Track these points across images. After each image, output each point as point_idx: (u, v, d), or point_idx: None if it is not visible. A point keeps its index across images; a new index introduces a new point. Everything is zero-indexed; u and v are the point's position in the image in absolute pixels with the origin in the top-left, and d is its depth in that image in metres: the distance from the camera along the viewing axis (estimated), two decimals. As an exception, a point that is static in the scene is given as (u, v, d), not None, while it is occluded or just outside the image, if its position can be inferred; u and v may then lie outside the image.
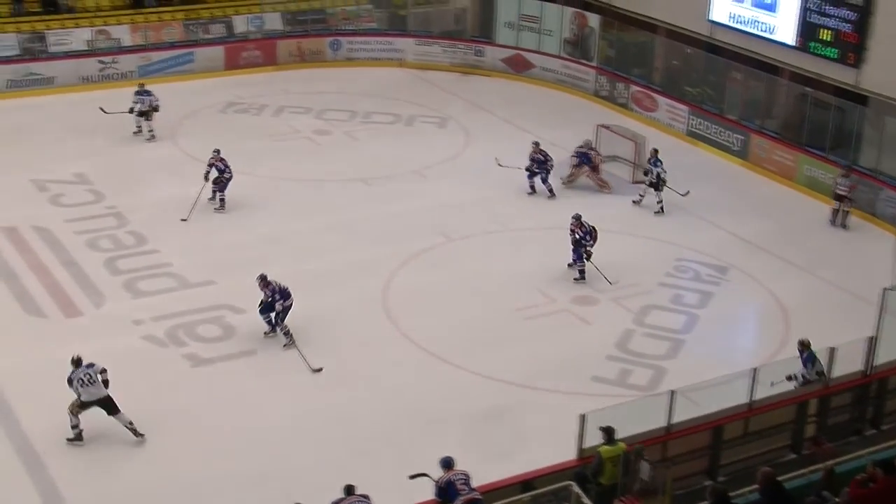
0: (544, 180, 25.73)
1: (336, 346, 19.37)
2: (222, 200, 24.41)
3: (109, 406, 16.48)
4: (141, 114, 28.10)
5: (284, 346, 19.16)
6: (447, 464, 14.18)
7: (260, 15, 34.81)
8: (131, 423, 16.55)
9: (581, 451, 15.08)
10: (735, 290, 22.11)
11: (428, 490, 14.18)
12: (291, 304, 19.37)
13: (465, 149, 28.02)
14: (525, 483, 14.55)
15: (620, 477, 14.60)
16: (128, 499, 15.38)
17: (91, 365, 16.54)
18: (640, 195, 25.35)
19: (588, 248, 21.85)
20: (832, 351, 16.87)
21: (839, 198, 24.88)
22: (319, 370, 18.60)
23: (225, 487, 15.59)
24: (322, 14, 35.68)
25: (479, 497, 13.83)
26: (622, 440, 14.77)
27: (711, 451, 16.37)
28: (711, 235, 24.28)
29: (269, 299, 19.28)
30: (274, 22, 34.99)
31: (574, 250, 21.94)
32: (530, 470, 14.92)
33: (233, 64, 34.11)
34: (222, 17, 34.54)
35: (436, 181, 26.60)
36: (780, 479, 12.72)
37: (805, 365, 17.20)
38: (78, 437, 16.42)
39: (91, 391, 16.36)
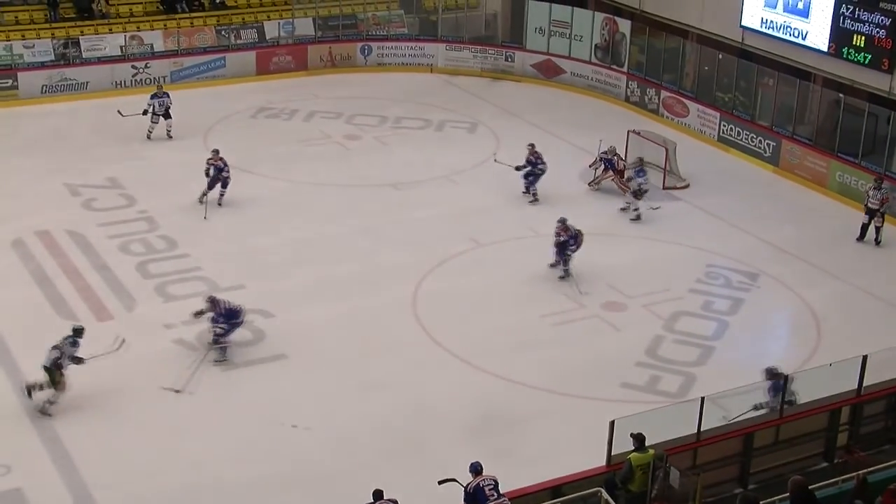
0: (529, 185, 25.74)
1: (366, 350, 19.40)
2: (221, 195, 24.94)
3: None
4: (157, 115, 28.58)
5: (215, 361, 18.89)
6: (476, 469, 14.19)
7: (291, 20, 34.94)
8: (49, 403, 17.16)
9: (610, 457, 15.06)
10: (766, 297, 21.99)
11: (457, 496, 14.19)
12: (240, 324, 19.14)
13: (495, 154, 27.98)
14: (554, 489, 14.55)
15: (650, 484, 14.58)
16: (158, 501, 15.46)
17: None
18: (627, 203, 25.24)
19: (569, 252, 21.93)
20: (864, 359, 16.76)
21: (871, 212, 24.19)
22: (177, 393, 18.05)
23: (252, 491, 15.64)
24: (353, 19, 35.78)
25: (508, 503, 13.82)
26: (652, 447, 14.75)
27: (742, 458, 16.32)
28: (742, 242, 24.16)
29: (218, 321, 18.96)
30: (305, 27, 35.11)
31: (558, 252, 22.04)
32: (559, 476, 14.92)
33: (264, 69, 34.26)
34: (254, 22, 34.71)
35: (466, 186, 26.60)
36: (811, 487, 12.64)
37: (769, 392, 16.68)
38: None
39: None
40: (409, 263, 22.42)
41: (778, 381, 16.33)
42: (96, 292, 21.02)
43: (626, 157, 26.91)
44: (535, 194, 25.65)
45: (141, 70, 32.61)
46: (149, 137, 28.68)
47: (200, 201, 24.69)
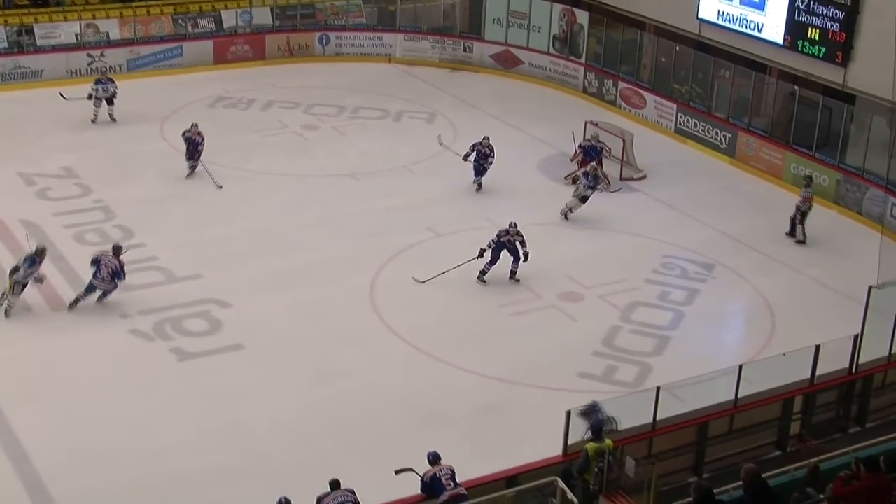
0: (478, 172, 25.63)
1: (323, 341, 19.37)
2: (193, 168, 25.66)
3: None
4: (100, 101, 28.49)
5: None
6: (433, 459, 14.23)
7: (249, 9, 34.71)
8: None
9: (567, 447, 15.14)
10: (721, 287, 22.17)
11: (414, 485, 14.23)
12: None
13: (454, 144, 27.99)
14: (510, 479, 14.61)
15: (606, 474, 14.67)
16: (115, 492, 15.35)
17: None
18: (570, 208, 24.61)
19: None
20: (817, 349, 16.95)
21: (797, 208, 24.26)
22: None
23: (210, 482, 15.58)
24: (311, 9, 35.61)
25: (464, 492, 13.88)
26: (608, 437, 14.83)
27: (697, 447, 16.46)
28: (699, 233, 24.32)
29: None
30: (263, 17, 34.91)
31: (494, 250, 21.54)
32: (515, 465, 14.99)
33: (221, 58, 34.03)
34: (211, 11, 34.43)
35: (424, 177, 26.59)
36: (764, 475, 12.77)
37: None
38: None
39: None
40: (366, 253, 22.39)
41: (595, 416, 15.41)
42: (51, 282, 20.81)
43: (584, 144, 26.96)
44: (479, 185, 25.63)
45: (97, 59, 32.28)
46: (94, 121, 28.53)
47: (189, 174, 25.60)
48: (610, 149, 26.85)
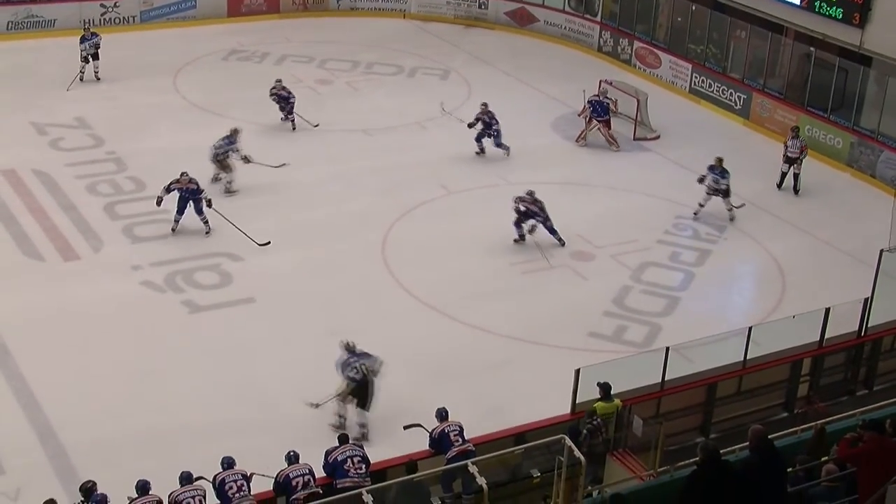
0: (498, 144, 25.18)
1: (334, 296, 19.41)
2: (293, 121, 26.12)
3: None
4: (87, 58, 28.02)
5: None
6: (441, 415, 14.33)
7: (264, -38, 34.59)
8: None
9: (575, 405, 15.21)
10: (733, 249, 22.14)
11: (422, 440, 14.32)
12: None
13: (467, 101, 27.90)
14: (518, 436, 14.68)
15: (613, 432, 14.74)
16: (125, 442, 15.47)
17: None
18: (701, 205, 23.11)
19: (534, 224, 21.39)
20: (827, 311, 16.96)
21: (789, 160, 24.46)
22: (267, 243, 20.28)
23: (220, 434, 15.65)
24: (326, -38, 35.45)
25: (472, 448, 13.97)
26: (617, 396, 14.90)
27: (705, 408, 16.52)
28: (711, 194, 24.24)
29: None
30: (278, -31, 34.77)
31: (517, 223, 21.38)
32: (523, 423, 15.05)
33: (235, 11, 33.89)
34: (226, -37, 34.29)
35: (437, 133, 26.51)
36: (771, 436, 12.80)
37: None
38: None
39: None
40: (378, 209, 22.40)
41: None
42: (63, 232, 20.90)
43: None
44: (506, 148, 25.32)
45: (110, 9, 32.18)
46: (81, 80, 28.04)
47: (291, 126, 26.20)
48: (616, 101, 26.66)
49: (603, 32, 32.89)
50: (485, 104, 25.41)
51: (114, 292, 19.10)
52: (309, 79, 29.64)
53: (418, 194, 23.19)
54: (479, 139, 25.23)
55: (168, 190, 21.04)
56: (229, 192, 22.51)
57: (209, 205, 20.98)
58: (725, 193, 22.78)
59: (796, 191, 24.58)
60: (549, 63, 32.02)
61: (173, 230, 21.09)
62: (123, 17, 32.07)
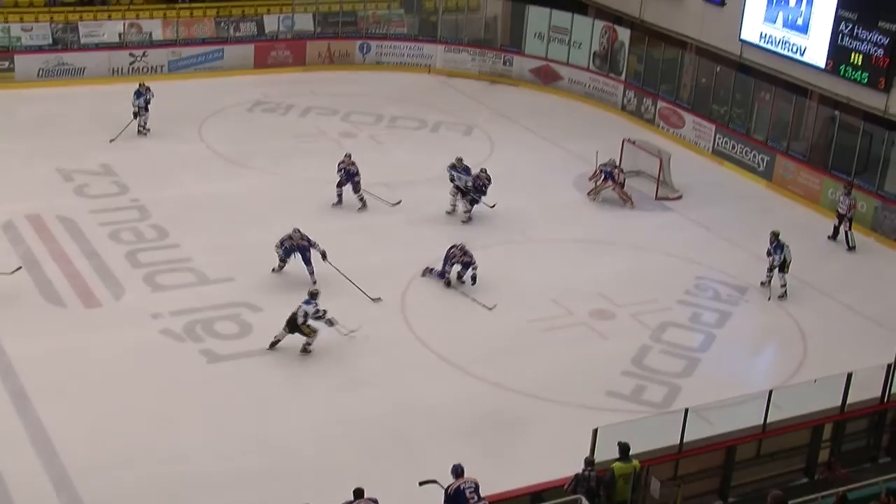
0: (473, 202, 24.95)
1: (353, 349, 19.38)
2: (362, 199, 25.08)
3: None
4: (136, 113, 28.03)
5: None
6: (457, 472, 14.21)
7: (291, 15, 34.92)
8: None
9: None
10: (754, 311, 22.03)
11: (437, 497, 14.20)
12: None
13: (490, 157, 27.99)
14: (534, 494, 14.56)
15: (630, 494, 14.61)
16: (140, 491, 15.42)
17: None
18: (768, 276, 22.66)
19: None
20: (849, 376, 16.81)
21: (840, 217, 24.98)
22: (378, 299, 20.77)
23: (235, 484, 15.62)
24: (353, 17, 35.75)
25: (488, 506, 13.84)
26: (635, 456, 14.77)
27: (723, 471, 16.35)
28: (733, 255, 24.18)
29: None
30: (305, 22, 35.10)
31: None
32: (541, 482, 14.93)
33: (262, 63, 34.23)
34: (253, 15, 34.65)
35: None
36: (791, 502, 12.67)
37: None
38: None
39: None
40: (398, 263, 22.40)
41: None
42: (85, 279, 20.98)
43: (620, 164, 26.91)
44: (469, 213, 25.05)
45: (138, 58, 32.56)
46: (141, 132, 28.20)
47: (362, 204, 25.06)
48: (624, 176, 26.48)
49: (627, 91, 33.02)
50: (483, 170, 25.30)
51: (133, 340, 19.12)
52: (333, 131, 29.82)
53: (438, 249, 23.11)
54: (463, 197, 25.06)
55: (283, 247, 21.47)
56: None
57: (324, 257, 21.36)
58: (781, 268, 22.36)
59: (849, 247, 24.85)
60: (572, 121, 32.13)
61: (275, 270, 21.79)
62: (151, 67, 32.42)
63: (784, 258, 22.24)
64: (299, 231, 21.45)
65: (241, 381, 18.29)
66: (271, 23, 34.63)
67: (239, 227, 23.64)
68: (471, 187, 24.75)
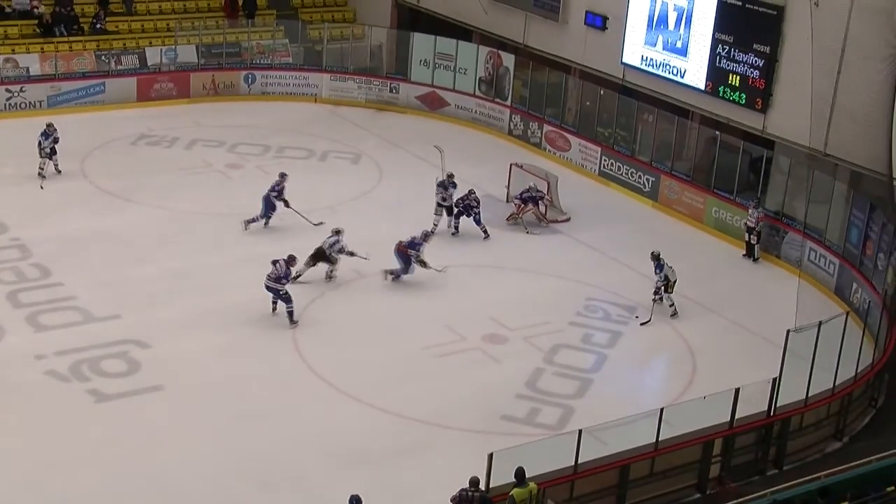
0: (477, 221, 25.88)
1: (244, 380, 19.14)
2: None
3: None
4: (46, 153, 27.21)
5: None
6: (354, 503, 14.09)
7: (174, 47, 34.52)
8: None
9: (489, 490, 15.07)
10: (644, 330, 22.30)
11: (333, 530, 14.06)
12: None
13: (378, 185, 27.97)
14: (432, 523, 14.49)
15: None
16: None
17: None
18: (655, 298, 22.91)
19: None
20: (737, 391, 17.10)
21: (749, 229, 25.63)
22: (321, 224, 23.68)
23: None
24: (237, 47, 35.48)
25: (385, 537, 13.75)
26: (531, 479, 14.80)
27: (618, 490, 16.48)
28: (621, 275, 24.48)
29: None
30: (188, 54, 34.69)
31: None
32: (437, 509, 14.89)
33: (145, 96, 33.72)
34: (135, 48, 34.17)
35: (348, 217, 26.41)
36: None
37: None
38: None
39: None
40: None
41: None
42: (-35, 321, 20.38)
43: (508, 189, 27.11)
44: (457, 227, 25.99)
45: (16, 94, 31.81)
46: (44, 176, 27.28)
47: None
48: (549, 198, 26.93)
49: (513, 116, 33.31)
50: (471, 190, 25.87)
51: (17, 382, 18.60)
52: (219, 163, 29.50)
53: (330, 282, 23.06)
54: (457, 216, 26.01)
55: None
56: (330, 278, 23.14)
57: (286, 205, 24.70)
58: (666, 288, 22.70)
59: (754, 259, 25.64)
60: (460, 146, 32.17)
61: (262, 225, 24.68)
62: (30, 102, 31.74)
63: (667, 278, 22.56)
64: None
65: (129, 419, 17.90)
66: (153, 55, 34.15)
67: (124, 262, 23.21)
68: (459, 204, 25.75)
